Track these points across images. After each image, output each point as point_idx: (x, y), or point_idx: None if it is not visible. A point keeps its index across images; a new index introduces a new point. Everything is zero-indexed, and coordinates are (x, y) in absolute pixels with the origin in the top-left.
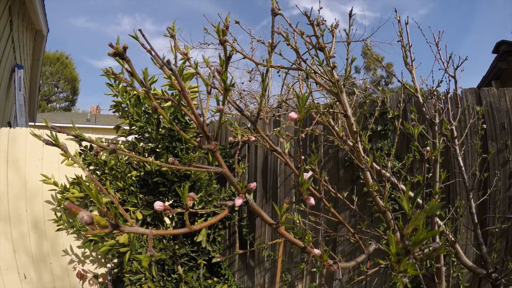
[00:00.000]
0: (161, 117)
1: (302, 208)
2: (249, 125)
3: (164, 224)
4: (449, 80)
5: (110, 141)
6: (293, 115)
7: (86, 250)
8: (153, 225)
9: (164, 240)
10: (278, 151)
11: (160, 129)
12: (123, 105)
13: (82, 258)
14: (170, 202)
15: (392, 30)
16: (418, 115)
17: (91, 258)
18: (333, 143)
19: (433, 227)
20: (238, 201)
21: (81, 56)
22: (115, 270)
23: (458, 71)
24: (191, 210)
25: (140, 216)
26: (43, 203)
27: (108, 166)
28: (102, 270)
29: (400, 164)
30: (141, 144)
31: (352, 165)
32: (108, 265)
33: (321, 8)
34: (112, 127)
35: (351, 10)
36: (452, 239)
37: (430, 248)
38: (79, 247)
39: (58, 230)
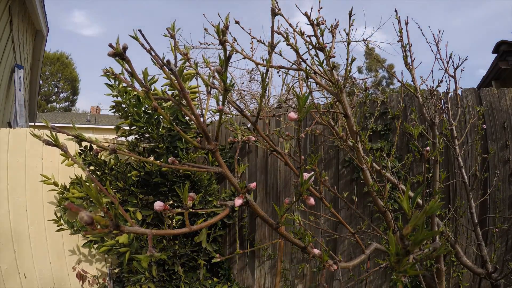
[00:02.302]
0: (161, 117)
1: (302, 208)
2: (249, 125)
3: (164, 224)
4: (449, 80)
5: (112, 141)
6: (293, 115)
7: (92, 249)
8: (153, 225)
9: (164, 240)
10: (278, 151)
11: (160, 129)
12: (123, 105)
13: (89, 258)
14: (171, 202)
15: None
16: (418, 115)
17: (97, 257)
18: (333, 143)
19: (433, 227)
20: (238, 201)
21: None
22: (116, 270)
23: (458, 71)
24: (191, 210)
25: (140, 217)
26: (43, 203)
27: (108, 166)
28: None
29: (400, 164)
30: (144, 145)
31: (352, 165)
32: (108, 264)
33: (321, 8)
34: (112, 127)
35: (351, 10)
36: (452, 239)
37: (430, 248)
38: (83, 246)
39: (59, 230)
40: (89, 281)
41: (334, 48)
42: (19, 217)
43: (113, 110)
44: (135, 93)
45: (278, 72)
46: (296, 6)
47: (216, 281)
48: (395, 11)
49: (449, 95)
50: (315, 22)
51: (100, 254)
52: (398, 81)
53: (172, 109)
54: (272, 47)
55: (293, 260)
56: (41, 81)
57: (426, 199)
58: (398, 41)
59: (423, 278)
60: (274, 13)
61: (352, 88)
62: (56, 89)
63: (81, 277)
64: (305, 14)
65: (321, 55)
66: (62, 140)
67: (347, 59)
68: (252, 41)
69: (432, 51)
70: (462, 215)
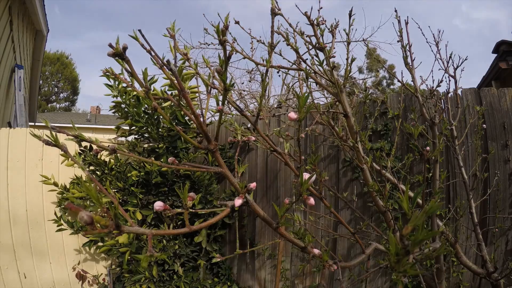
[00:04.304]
0: (161, 117)
1: (302, 208)
2: (249, 125)
3: (164, 224)
4: (449, 80)
5: (112, 141)
6: (293, 115)
7: (92, 249)
8: (153, 225)
9: (164, 240)
10: (278, 151)
11: (160, 129)
12: (123, 105)
13: (93, 257)
14: (170, 202)
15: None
16: (418, 115)
17: (102, 256)
18: (333, 143)
19: (433, 227)
20: (238, 201)
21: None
22: (117, 270)
23: (458, 71)
24: (191, 210)
25: (140, 217)
26: (43, 203)
27: (108, 166)
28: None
29: (400, 164)
30: (144, 145)
31: (352, 165)
32: (108, 263)
33: (321, 8)
34: (112, 127)
35: (351, 10)
36: (452, 239)
37: (430, 248)
38: (83, 246)
39: (59, 230)
40: (89, 281)
41: (334, 48)
42: (19, 217)
43: (113, 110)
44: (135, 93)
45: (278, 72)
46: (296, 6)
47: (216, 281)
48: (395, 11)
49: (449, 95)
50: (315, 22)
51: (102, 253)
52: (398, 81)
53: (172, 109)
54: (272, 47)
55: (293, 260)
56: (41, 81)
57: (426, 199)
58: (398, 41)
59: (423, 278)
60: (274, 13)
61: (352, 88)
62: (56, 89)
63: (81, 277)
64: (305, 14)
65: (321, 55)
66: (62, 140)
67: (347, 59)
68: (252, 41)
69: (432, 51)
70: (462, 215)
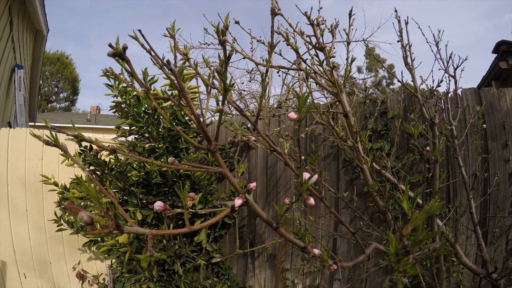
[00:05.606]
0: (161, 117)
1: (302, 208)
2: (249, 125)
3: (164, 224)
4: (449, 80)
5: (113, 141)
6: (293, 115)
7: (92, 249)
8: (153, 225)
9: (164, 240)
10: (278, 151)
11: (160, 129)
12: (123, 105)
13: (100, 256)
14: (171, 202)
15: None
16: (418, 115)
17: (105, 255)
18: (333, 143)
19: (433, 227)
20: (238, 201)
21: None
22: (117, 270)
23: (458, 71)
24: (191, 210)
25: (140, 217)
26: (43, 203)
27: (108, 166)
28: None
29: (400, 164)
30: (145, 145)
31: (352, 165)
32: (109, 262)
33: (321, 8)
34: (112, 127)
35: (351, 9)
36: (452, 239)
37: (430, 248)
38: (83, 246)
39: (59, 230)
40: (89, 281)
41: (334, 48)
42: (19, 217)
43: (113, 110)
44: (135, 93)
45: (278, 72)
46: (296, 6)
47: (216, 281)
48: (395, 11)
49: (449, 95)
50: (315, 22)
51: (102, 253)
52: (398, 81)
53: (172, 108)
54: (272, 47)
55: (293, 260)
56: (41, 81)
57: (426, 199)
58: (398, 41)
59: (423, 278)
60: (274, 13)
61: (352, 88)
62: (56, 89)
63: (81, 277)
64: (305, 14)
65: (321, 55)
66: (62, 140)
67: (347, 59)
68: (252, 41)
69: (432, 51)
70: (462, 215)
